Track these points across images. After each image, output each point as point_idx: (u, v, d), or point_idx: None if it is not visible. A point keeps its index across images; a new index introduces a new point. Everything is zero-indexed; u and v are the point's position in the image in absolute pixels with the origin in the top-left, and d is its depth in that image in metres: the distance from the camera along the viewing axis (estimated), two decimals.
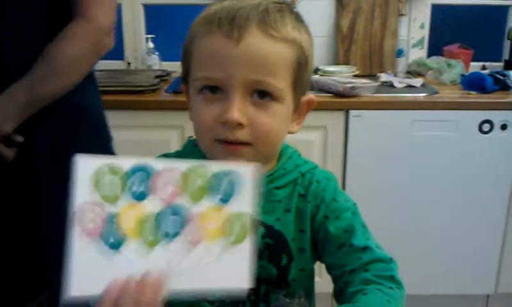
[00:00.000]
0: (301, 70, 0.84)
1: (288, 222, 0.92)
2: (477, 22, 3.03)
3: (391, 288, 0.81)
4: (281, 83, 0.81)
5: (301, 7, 2.72)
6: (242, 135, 0.80)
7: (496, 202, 2.41)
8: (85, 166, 0.64)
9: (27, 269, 1.30)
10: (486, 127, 2.29)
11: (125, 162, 0.63)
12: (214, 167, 0.59)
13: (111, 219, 0.61)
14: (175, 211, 0.60)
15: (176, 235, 0.61)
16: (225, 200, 0.58)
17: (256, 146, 0.82)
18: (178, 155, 0.96)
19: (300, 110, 0.91)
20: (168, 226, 0.61)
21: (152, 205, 0.61)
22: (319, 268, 0.97)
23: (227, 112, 0.78)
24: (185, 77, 0.87)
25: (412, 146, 2.33)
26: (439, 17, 2.94)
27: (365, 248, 0.86)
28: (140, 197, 0.61)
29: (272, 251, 0.91)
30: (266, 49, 0.78)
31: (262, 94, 0.80)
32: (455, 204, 2.41)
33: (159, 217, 0.61)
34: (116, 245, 0.62)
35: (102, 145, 1.37)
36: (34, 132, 1.20)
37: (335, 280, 0.87)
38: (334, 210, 0.91)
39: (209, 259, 0.60)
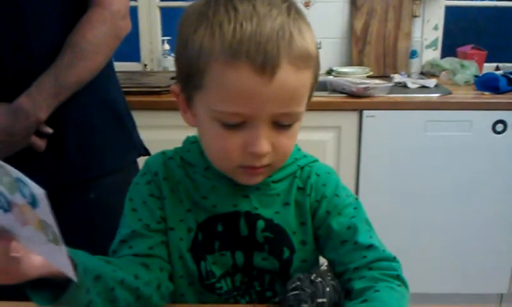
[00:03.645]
0: (316, 81, 0.84)
1: (289, 215, 0.92)
2: (491, 23, 3.03)
3: (399, 285, 0.83)
4: (304, 106, 0.81)
5: (315, 9, 2.74)
6: (266, 160, 0.81)
7: (509, 201, 2.41)
8: None
9: None
10: (499, 127, 2.30)
11: None
12: (12, 173, 0.58)
13: None
14: None
15: (6, 210, 0.60)
16: (33, 205, 0.58)
17: (274, 165, 0.84)
18: (177, 151, 0.96)
19: None
20: None
21: None
22: None
23: (256, 145, 0.77)
24: (187, 85, 0.82)
25: (425, 146, 2.34)
26: (452, 18, 2.95)
27: (370, 246, 0.87)
28: None
29: (272, 244, 0.91)
30: (296, 82, 0.76)
31: (286, 121, 0.80)
32: (468, 204, 2.41)
33: None
34: None
35: (127, 135, 1.41)
36: (62, 125, 1.24)
37: (337, 276, 0.88)
38: (336, 206, 0.91)
39: (40, 241, 0.60)
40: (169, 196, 0.92)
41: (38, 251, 0.64)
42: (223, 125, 0.78)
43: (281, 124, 0.79)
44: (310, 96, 0.84)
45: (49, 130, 1.21)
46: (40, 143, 1.21)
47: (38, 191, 0.56)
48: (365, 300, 0.79)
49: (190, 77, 0.79)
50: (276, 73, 0.73)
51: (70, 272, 0.63)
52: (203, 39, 0.75)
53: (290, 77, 0.75)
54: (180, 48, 0.81)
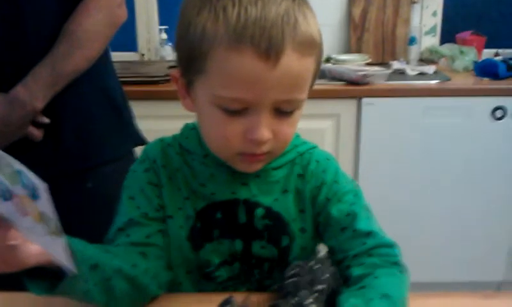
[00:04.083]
0: (319, 67, 0.83)
1: (288, 202, 0.92)
2: (490, 8, 3.01)
3: (399, 272, 0.82)
4: (306, 93, 0.80)
5: None
6: (266, 147, 0.80)
7: (507, 188, 2.41)
8: None
9: None
10: (498, 113, 2.29)
11: None
12: (14, 164, 0.57)
13: None
14: None
15: (7, 199, 0.60)
16: (33, 197, 0.58)
17: (274, 152, 0.83)
18: (176, 138, 0.96)
19: None
20: None
21: None
22: None
23: (256, 131, 0.76)
24: (188, 70, 0.81)
25: (424, 133, 2.34)
26: (451, 4, 2.93)
27: (369, 233, 0.86)
28: None
29: (271, 231, 0.91)
30: (299, 68, 0.75)
31: (287, 108, 0.79)
32: (466, 191, 2.42)
33: None
34: None
35: (124, 125, 1.41)
36: (59, 114, 1.24)
37: (337, 263, 0.87)
38: (336, 193, 0.91)
39: (39, 232, 0.61)
40: (168, 183, 0.92)
41: (37, 242, 0.64)
42: (223, 110, 0.77)
43: (283, 111, 0.78)
44: (312, 84, 0.83)
45: (46, 120, 1.21)
46: (37, 133, 1.20)
47: (39, 184, 0.56)
48: (363, 287, 0.78)
49: (191, 61, 0.78)
50: (280, 58, 0.72)
51: (68, 265, 0.63)
52: (207, 22, 0.74)
53: (294, 63, 0.74)
54: (182, 32, 0.79)
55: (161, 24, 2.91)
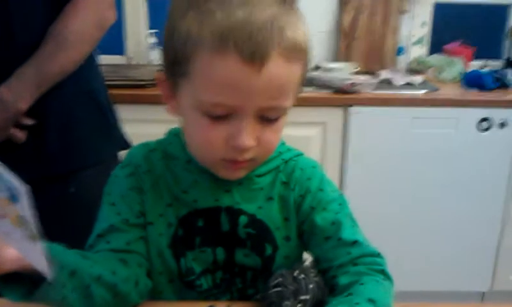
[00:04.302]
0: (306, 74, 0.81)
1: (272, 210, 0.90)
2: (478, 20, 3.04)
3: (384, 280, 0.82)
4: (291, 100, 0.79)
5: (303, 3, 2.73)
6: (249, 154, 0.79)
7: (493, 199, 2.42)
8: None
9: None
10: (485, 125, 2.30)
11: None
12: None
13: None
14: None
15: None
16: (12, 200, 0.57)
17: (257, 159, 0.82)
18: (159, 143, 0.94)
19: None
20: None
21: None
22: None
23: (239, 138, 0.75)
24: (172, 73, 0.79)
25: (411, 143, 2.34)
26: (440, 15, 2.95)
27: (354, 242, 0.85)
28: None
29: (254, 240, 0.90)
30: (286, 75, 0.74)
31: (272, 115, 0.78)
32: (452, 201, 2.42)
33: None
34: None
35: (109, 128, 1.40)
36: (42, 116, 1.22)
37: (322, 272, 0.86)
38: (320, 201, 0.90)
39: (16, 236, 0.60)
40: (150, 189, 0.90)
41: (14, 246, 0.63)
42: (207, 115, 0.75)
43: (267, 118, 0.77)
44: (299, 91, 0.81)
45: (29, 122, 1.19)
46: (20, 135, 1.19)
47: (20, 187, 0.55)
48: (350, 294, 0.78)
49: (176, 64, 0.77)
50: (265, 64, 0.70)
51: (45, 271, 0.62)
52: (192, 25, 0.73)
53: (280, 69, 0.72)
54: (168, 34, 0.78)
55: (151, 28, 2.89)
